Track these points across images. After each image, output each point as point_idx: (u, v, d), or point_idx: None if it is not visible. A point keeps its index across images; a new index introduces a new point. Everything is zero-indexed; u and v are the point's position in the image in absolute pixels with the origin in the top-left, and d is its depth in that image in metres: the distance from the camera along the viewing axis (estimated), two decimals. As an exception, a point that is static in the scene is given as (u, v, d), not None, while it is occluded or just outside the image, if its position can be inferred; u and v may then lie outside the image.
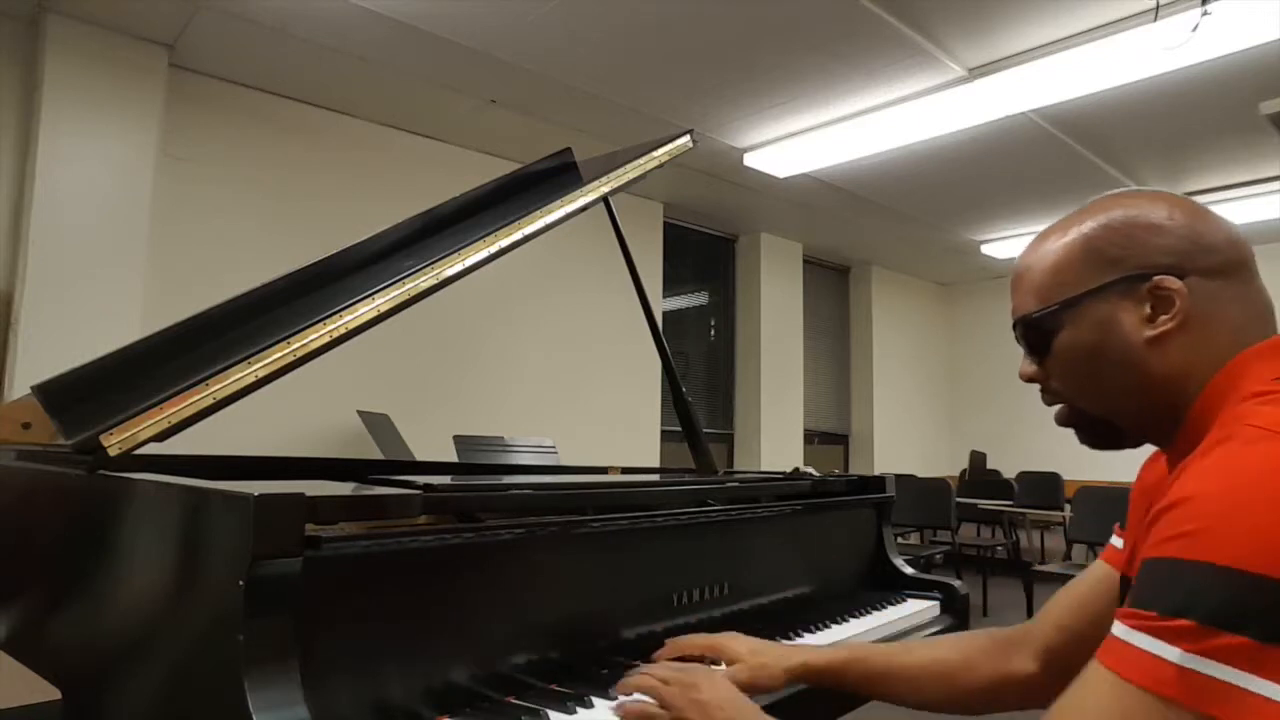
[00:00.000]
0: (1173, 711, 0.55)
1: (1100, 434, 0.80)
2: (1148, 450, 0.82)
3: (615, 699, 0.90)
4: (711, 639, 1.03)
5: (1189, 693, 0.54)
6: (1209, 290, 0.72)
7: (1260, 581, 0.53)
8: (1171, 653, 0.55)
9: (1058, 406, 0.82)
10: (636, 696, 0.90)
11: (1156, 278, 0.72)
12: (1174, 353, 0.72)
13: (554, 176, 1.57)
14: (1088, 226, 0.77)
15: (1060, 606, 0.95)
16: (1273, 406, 0.64)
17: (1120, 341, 0.74)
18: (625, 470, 2.09)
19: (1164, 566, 0.58)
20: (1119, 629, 0.59)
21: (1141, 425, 0.77)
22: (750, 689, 0.94)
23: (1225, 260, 0.73)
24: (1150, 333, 0.73)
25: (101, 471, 0.94)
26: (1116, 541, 0.91)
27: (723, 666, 1.00)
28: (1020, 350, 0.83)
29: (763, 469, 2.25)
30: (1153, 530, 0.61)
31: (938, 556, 5.46)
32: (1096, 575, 0.92)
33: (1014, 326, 0.82)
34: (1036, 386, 0.83)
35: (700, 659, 1.02)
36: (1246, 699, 0.53)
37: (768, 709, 0.86)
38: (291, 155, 3.91)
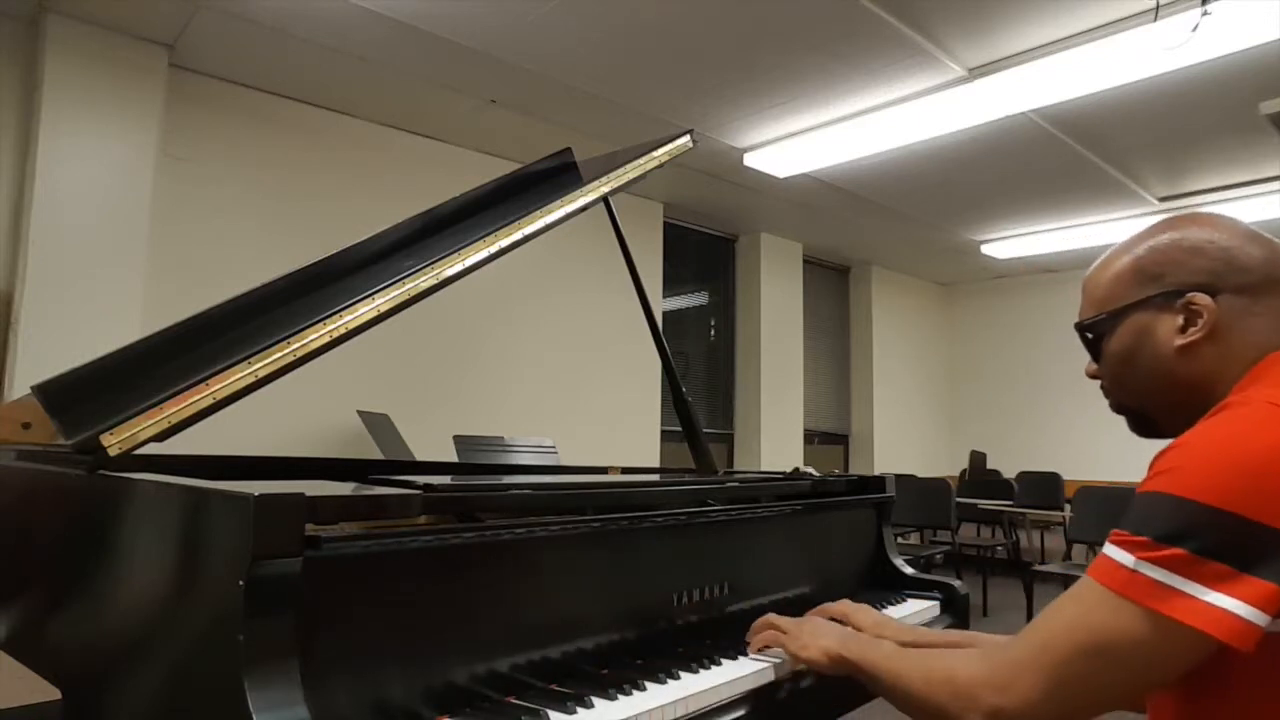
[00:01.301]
0: (1121, 603, 0.71)
1: (1140, 424, 0.93)
2: (1150, 451, 0.84)
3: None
4: (844, 607, 1.18)
5: (1134, 589, 0.70)
6: (1239, 306, 0.83)
7: (1207, 510, 0.68)
8: (1127, 559, 0.71)
9: (1110, 398, 0.95)
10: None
11: (1189, 294, 0.84)
12: (1202, 360, 0.84)
13: (554, 176, 1.57)
14: (1141, 248, 0.90)
15: None
16: (1275, 389, 0.75)
17: (1154, 348, 0.87)
18: (625, 470, 2.09)
19: (1142, 498, 0.74)
20: (1105, 545, 0.75)
21: (1173, 419, 0.87)
22: None
23: (1260, 279, 0.83)
24: (1180, 342, 0.85)
25: (101, 471, 0.94)
26: None
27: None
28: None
29: (763, 469, 2.25)
30: (1149, 469, 0.76)
31: (938, 556, 5.47)
32: None
33: (1075, 328, 0.95)
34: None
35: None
36: (1176, 596, 0.68)
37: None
38: (291, 155, 3.91)
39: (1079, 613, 0.74)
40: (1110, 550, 0.73)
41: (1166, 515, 0.70)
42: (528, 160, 1.60)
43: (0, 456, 1.37)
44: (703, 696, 0.98)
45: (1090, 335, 0.93)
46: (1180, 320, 0.85)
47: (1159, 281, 0.87)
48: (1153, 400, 0.89)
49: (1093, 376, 0.95)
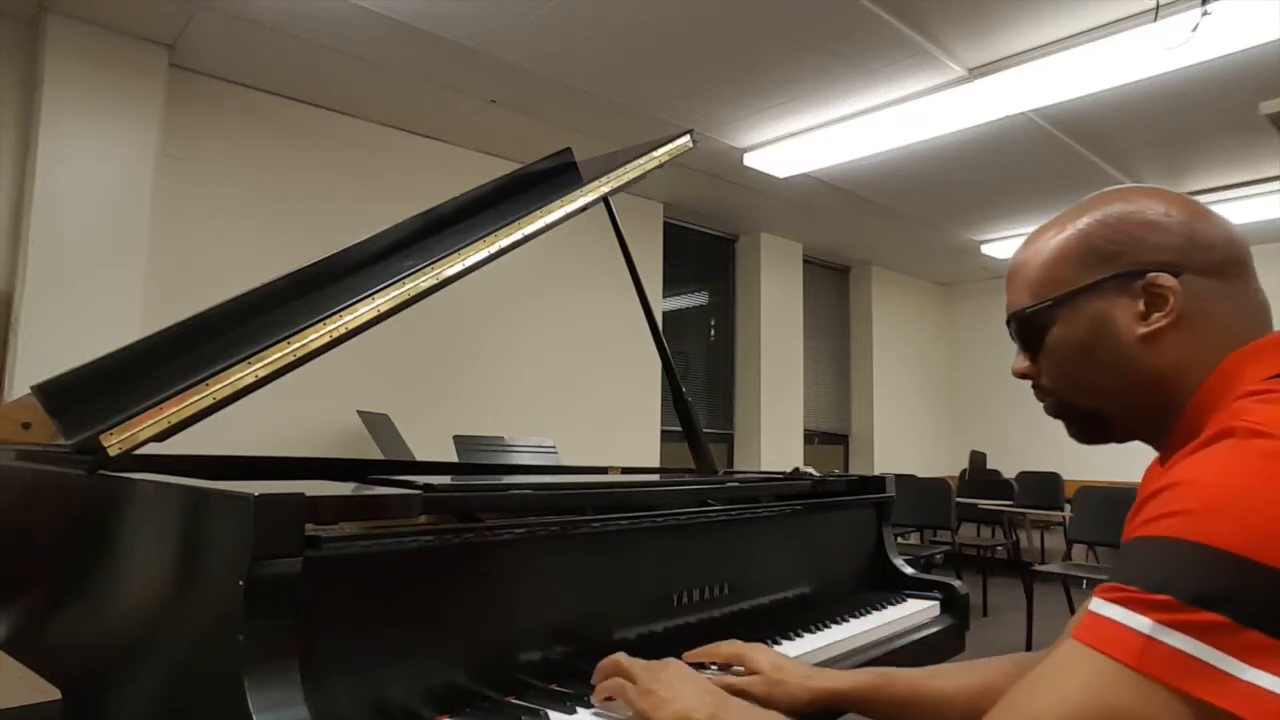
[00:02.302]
0: (1141, 683, 0.55)
1: (1089, 428, 0.81)
2: (1150, 451, 0.82)
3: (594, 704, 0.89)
4: (738, 648, 0.99)
5: (1153, 663, 0.54)
6: (1205, 289, 0.72)
7: (1248, 565, 0.53)
8: (1141, 623, 0.55)
9: (1048, 399, 0.82)
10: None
11: (1151, 275, 0.72)
12: (1167, 350, 0.72)
13: (554, 176, 1.57)
14: (1084, 222, 0.77)
15: None
16: (1269, 406, 0.64)
17: (1113, 338, 0.74)
18: (625, 470, 2.09)
19: (1149, 544, 0.58)
20: (1094, 603, 0.59)
21: (1131, 422, 0.77)
22: (764, 704, 0.89)
23: (1223, 259, 0.73)
24: (1143, 330, 0.73)
25: (101, 471, 0.94)
26: None
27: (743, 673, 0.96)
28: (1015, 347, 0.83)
29: (763, 469, 2.25)
30: (1142, 511, 0.61)
31: (938, 556, 5.46)
32: None
33: (1008, 322, 0.83)
34: (1029, 379, 0.83)
35: (726, 666, 0.99)
36: (1212, 675, 0.53)
37: None
38: (291, 155, 3.91)
39: (1080, 692, 0.57)
40: (1111, 611, 0.57)
41: (1197, 569, 0.55)
42: (528, 160, 1.60)
43: (0, 456, 1.37)
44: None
45: (1029, 327, 0.79)
46: (1141, 305, 0.73)
47: (1115, 261, 0.74)
48: (1112, 400, 0.77)
49: (1024, 375, 0.82)
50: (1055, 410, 0.82)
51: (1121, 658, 0.55)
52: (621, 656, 0.88)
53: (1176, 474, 0.61)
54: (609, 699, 0.86)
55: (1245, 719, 0.52)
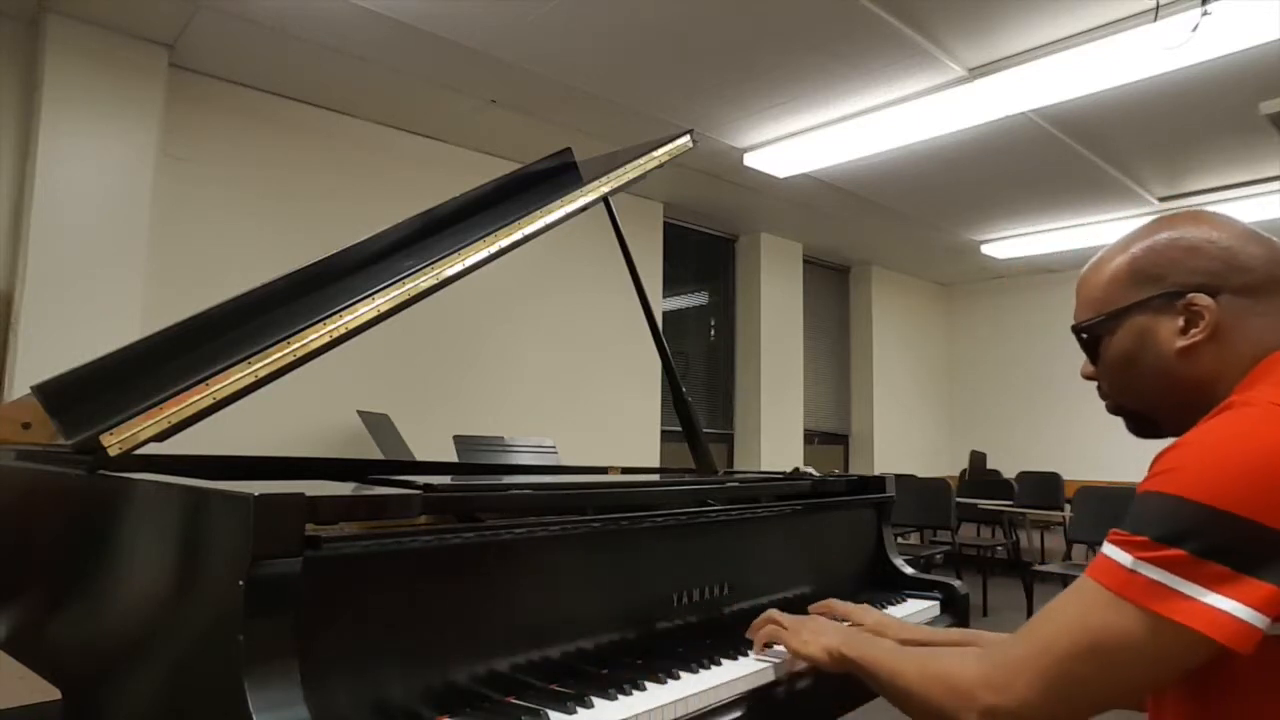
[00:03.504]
0: (1119, 603, 0.70)
1: (1141, 426, 0.92)
2: (1151, 451, 0.84)
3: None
4: (848, 606, 1.21)
5: (1133, 590, 0.70)
6: (1241, 306, 0.82)
7: (1206, 510, 0.68)
8: (1125, 559, 0.71)
9: (1108, 400, 0.94)
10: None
11: (1190, 295, 0.83)
12: (1204, 361, 0.83)
13: (554, 176, 1.57)
14: (1137, 248, 0.88)
15: None
16: (1274, 388, 0.74)
17: (1155, 350, 0.85)
18: (625, 470, 2.09)
19: (1141, 498, 0.73)
20: (1104, 545, 0.74)
21: (1175, 420, 0.86)
22: None
23: (1261, 279, 0.82)
24: (1182, 343, 0.83)
25: (101, 471, 0.94)
26: None
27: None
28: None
29: (763, 469, 2.25)
30: (1149, 470, 0.75)
31: (938, 556, 5.46)
32: None
33: (1072, 330, 0.93)
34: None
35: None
36: (1175, 597, 0.68)
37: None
38: (291, 155, 3.91)
39: (1077, 613, 0.74)
40: (1109, 550, 0.73)
41: (1166, 515, 0.70)
42: (528, 160, 1.60)
43: (0, 456, 1.37)
44: (702, 696, 0.98)
45: (1087, 337, 0.91)
46: (1181, 321, 0.83)
47: (1158, 282, 0.85)
48: (1154, 402, 0.88)
49: (1089, 378, 0.94)
50: (1113, 409, 0.94)
51: (1108, 584, 0.72)
52: (774, 611, 1.12)
53: (1180, 439, 0.74)
54: (768, 645, 1.10)
55: (1207, 634, 0.66)
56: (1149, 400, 0.88)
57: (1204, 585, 0.67)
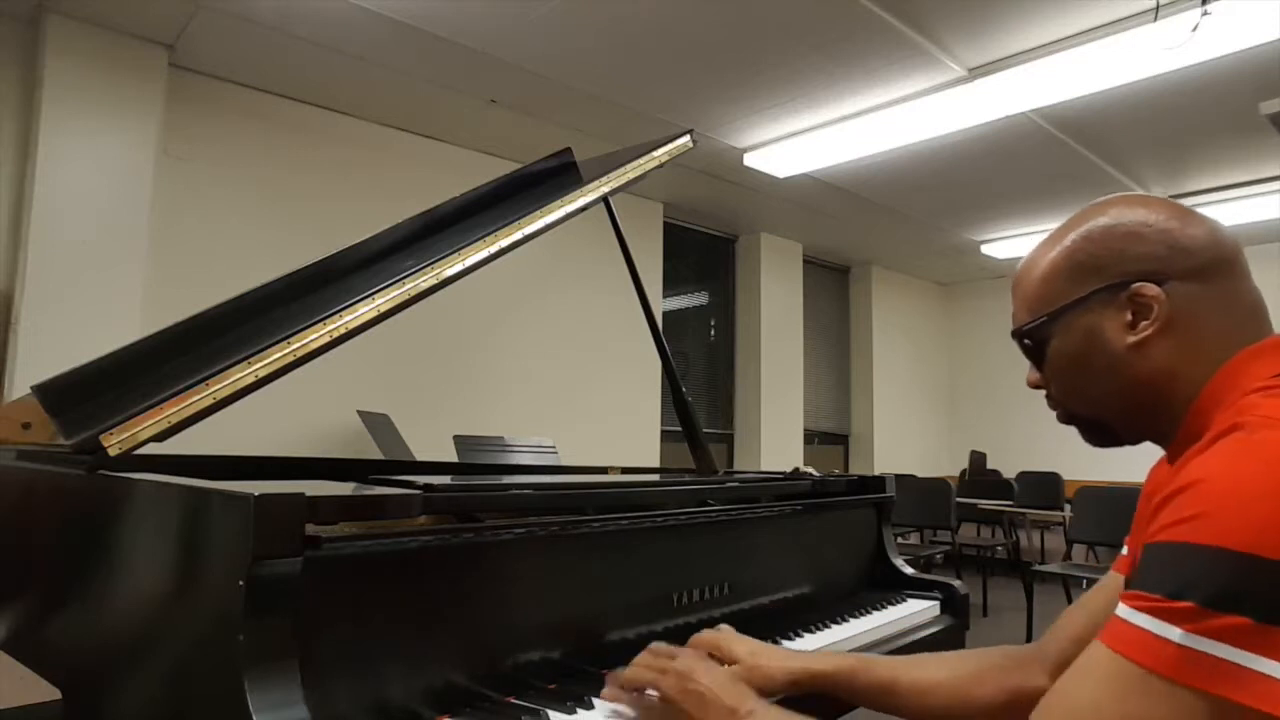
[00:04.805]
0: (1172, 690, 0.56)
1: (1096, 434, 0.84)
2: (1152, 452, 0.83)
3: (608, 695, 0.90)
4: (715, 638, 1.01)
5: (1190, 671, 0.55)
6: (1190, 292, 0.74)
7: (1259, 563, 0.54)
8: (1173, 633, 0.56)
9: (1057, 409, 0.85)
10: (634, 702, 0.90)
11: (1135, 285, 0.74)
12: (1157, 356, 0.75)
13: (554, 176, 1.57)
14: (1070, 240, 0.80)
15: (1073, 619, 0.94)
16: (1275, 399, 0.65)
17: (1105, 348, 0.77)
18: (625, 470, 2.09)
19: (1167, 550, 0.59)
20: (1122, 610, 0.61)
21: (1133, 425, 0.80)
22: None
23: (1207, 261, 0.74)
24: (1132, 339, 0.75)
25: (101, 471, 0.94)
26: (1125, 551, 0.91)
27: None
28: (1020, 357, 0.85)
29: (763, 469, 2.25)
30: (1158, 516, 0.62)
31: (938, 556, 5.46)
32: (1109, 586, 0.92)
33: (1012, 336, 0.86)
34: (1041, 389, 0.86)
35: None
36: (1247, 677, 0.54)
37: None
38: (291, 155, 3.91)
39: (1109, 701, 0.59)
40: (1139, 619, 0.59)
41: (1211, 573, 0.56)
42: (528, 160, 1.60)
43: (0, 456, 1.37)
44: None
45: (1029, 342, 0.82)
46: (1129, 315, 0.75)
47: (1100, 275, 0.77)
48: (1108, 406, 0.79)
49: (1035, 386, 0.86)
50: (1064, 419, 0.85)
51: (1154, 667, 0.57)
52: (659, 646, 0.94)
53: (1188, 474, 0.62)
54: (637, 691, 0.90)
55: (1270, 713, 0.53)
56: (1102, 405, 0.80)
57: (1266, 655, 0.54)
